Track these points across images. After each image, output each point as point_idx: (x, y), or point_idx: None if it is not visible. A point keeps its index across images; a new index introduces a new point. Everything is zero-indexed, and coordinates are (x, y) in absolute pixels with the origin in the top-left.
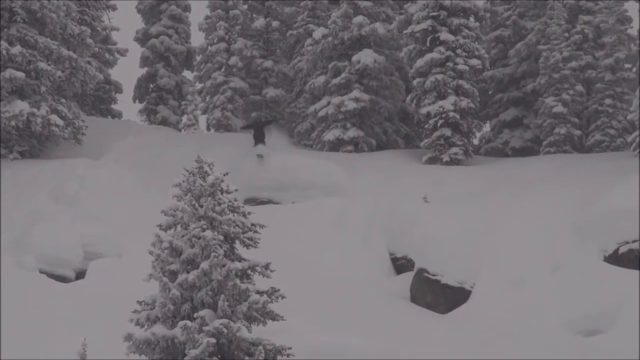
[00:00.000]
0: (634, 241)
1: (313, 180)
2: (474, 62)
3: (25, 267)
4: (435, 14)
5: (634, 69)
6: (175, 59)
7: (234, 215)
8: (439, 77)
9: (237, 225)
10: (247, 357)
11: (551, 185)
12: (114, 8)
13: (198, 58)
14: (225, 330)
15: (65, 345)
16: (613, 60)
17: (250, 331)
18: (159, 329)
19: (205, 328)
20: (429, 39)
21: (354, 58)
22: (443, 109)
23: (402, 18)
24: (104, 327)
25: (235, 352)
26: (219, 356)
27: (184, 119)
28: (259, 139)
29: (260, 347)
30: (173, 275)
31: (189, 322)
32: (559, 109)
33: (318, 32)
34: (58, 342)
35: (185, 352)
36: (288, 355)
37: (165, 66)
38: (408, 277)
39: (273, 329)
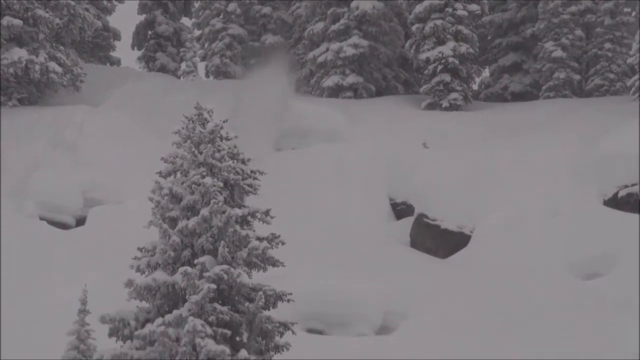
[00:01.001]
0: (633, 185)
1: (313, 127)
2: (473, 7)
3: (25, 213)
4: None
5: (634, 13)
6: (174, 5)
7: (233, 162)
8: (438, 22)
9: (237, 172)
10: (247, 303)
11: (551, 130)
12: None
13: (196, 5)
14: (225, 276)
15: (65, 291)
16: (612, 4)
17: (250, 277)
18: (160, 275)
19: (206, 274)
20: None
21: (353, 4)
22: (442, 54)
23: None
24: (104, 273)
25: (236, 298)
26: (220, 302)
27: (183, 65)
28: None
29: (261, 293)
30: (173, 221)
31: (189, 269)
32: (558, 53)
33: None
34: (58, 288)
35: (186, 297)
36: (288, 300)
37: (163, 13)
38: (408, 222)
39: (273, 275)
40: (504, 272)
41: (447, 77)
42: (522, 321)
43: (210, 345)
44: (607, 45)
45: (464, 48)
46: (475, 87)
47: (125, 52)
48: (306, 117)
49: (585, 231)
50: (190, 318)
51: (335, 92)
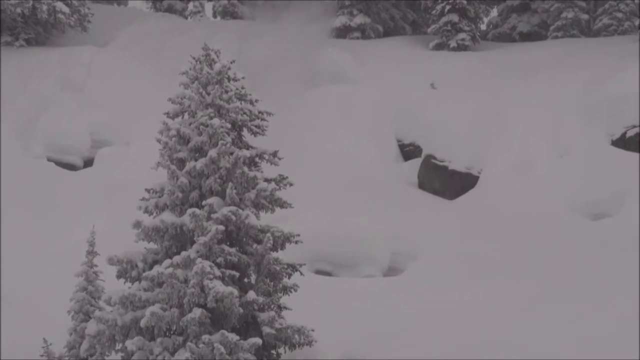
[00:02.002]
0: None
1: (320, 67)
2: None
3: (33, 154)
4: None
5: None
6: None
7: (241, 103)
8: None
9: (244, 113)
10: (255, 244)
11: (559, 70)
12: None
13: None
14: (233, 218)
15: (73, 232)
16: None
17: (258, 218)
18: (168, 217)
19: (214, 215)
20: None
21: None
22: None
23: None
24: (112, 214)
25: (244, 239)
26: (228, 243)
27: (190, 6)
28: None
29: (269, 234)
30: (181, 163)
31: (197, 210)
32: None
33: None
34: (66, 229)
35: (194, 239)
36: (296, 242)
37: None
38: (416, 163)
39: (281, 216)
40: (512, 212)
41: (455, 17)
42: (530, 262)
43: (218, 287)
44: None
45: None
46: (483, 27)
47: None
48: (315, 59)
49: (593, 172)
50: (199, 259)
51: (343, 32)
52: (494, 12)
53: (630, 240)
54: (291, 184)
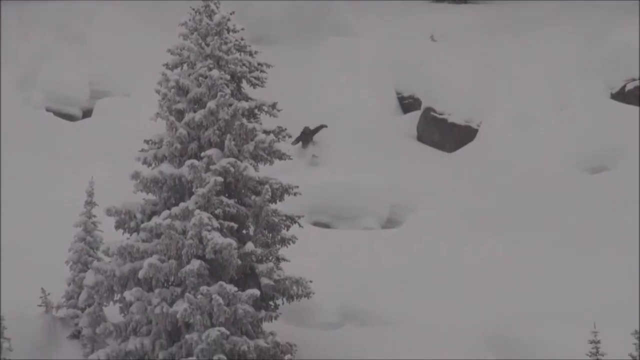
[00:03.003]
0: None
1: (320, 20)
2: None
3: (33, 104)
4: None
5: None
6: None
7: (240, 55)
8: None
9: (243, 65)
10: (254, 196)
11: (559, 24)
12: None
13: None
14: (232, 169)
15: (72, 183)
16: None
17: (257, 170)
18: (166, 168)
19: (212, 167)
20: None
21: None
22: None
23: None
24: (111, 165)
25: (242, 191)
26: (226, 195)
27: None
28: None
29: (267, 186)
30: (180, 114)
31: (195, 161)
32: None
33: None
34: (65, 180)
35: (193, 190)
36: (295, 193)
37: None
38: (415, 116)
39: (280, 168)
40: (511, 165)
41: None
42: (529, 215)
43: (216, 238)
44: None
45: None
46: None
47: None
48: (316, 12)
49: (593, 125)
50: (197, 211)
51: None
52: None
53: (629, 193)
54: (290, 136)
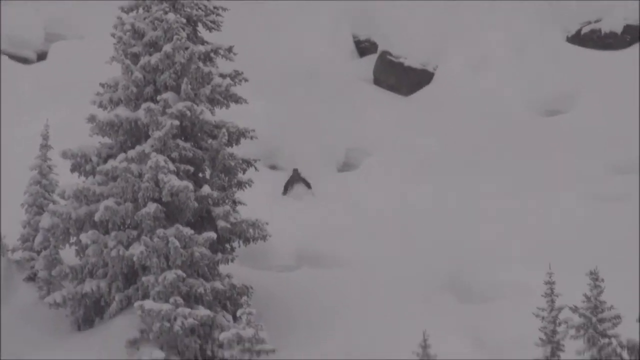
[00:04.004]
0: (596, 21)
1: None
2: None
3: None
4: None
5: None
6: None
7: None
8: None
9: (199, 8)
10: (210, 140)
11: None
12: None
13: None
14: (188, 113)
15: (27, 126)
16: None
17: (213, 114)
18: (122, 111)
19: (169, 110)
20: None
21: None
22: None
23: None
24: (66, 108)
25: (199, 135)
26: (183, 138)
27: None
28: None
29: (224, 130)
30: (135, 57)
31: (152, 104)
32: None
33: None
34: (21, 123)
35: (149, 133)
36: (252, 137)
37: None
38: (371, 59)
39: (237, 112)
40: (468, 108)
41: None
42: (485, 157)
43: (173, 181)
44: None
45: None
46: None
47: None
48: None
49: (548, 68)
50: (153, 154)
51: None
52: None
53: (583, 135)
54: (246, 80)
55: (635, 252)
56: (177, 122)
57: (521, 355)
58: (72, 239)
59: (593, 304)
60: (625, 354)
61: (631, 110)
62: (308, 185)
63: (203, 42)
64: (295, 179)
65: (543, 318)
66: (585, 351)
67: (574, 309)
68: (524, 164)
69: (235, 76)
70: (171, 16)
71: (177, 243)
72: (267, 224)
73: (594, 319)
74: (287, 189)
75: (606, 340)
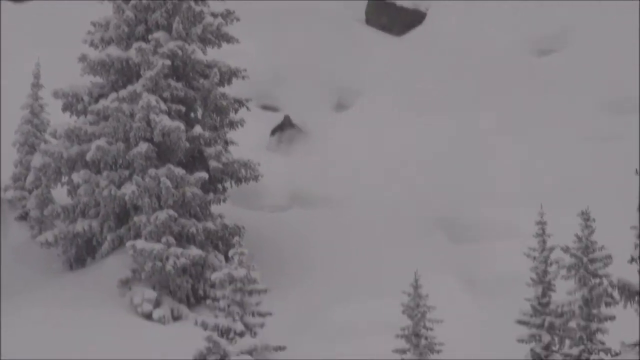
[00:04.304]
0: None
1: None
2: None
3: None
4: None
5: None
6: None
7: None
8: None
9: None
10: (202, 79)
11: None
12: None
13: None
14: (180, 52)
15: (18, 65)
16: None
17: (205, 53)
18: (114, 50)
19: (160, 50)
20: None
21: None
22: None
23: None
24: (57, 47)
25: (190, 74)
26: (174, 77)
27: None
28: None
29: (216, 69)
30: None
31: (143, 44)
32: None
33: None
34: (12, 62)
35: (140, 73)
36: (243, 77)
37: None
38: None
39: (229, 52)
40: (459, 48)
41: None
42: (476, 96)
43: (165, 121)
44: None
45: None
46: None
47: None
48: None
49: (542, 6)
50: (145, 94)
51: None
52: None
53: (576, 75)
54: (238, 19)
55: (627, 192)
56: (168, 62)
57: (512, 295)
58: (64, 179)
59: (584, 244)
60: (616, 294)
61: (626, 49)
62: (299, 130)
63: None
64: (286, 124)
65: (534, 258)
66: (576, 291)
67: (565, 249)
68: (517, 102)
69: (227, 15)
70: None
71: (168, 183)
72: (259, 164)
73: (585, 259)
74: (275, 133)
75: (597, 280)
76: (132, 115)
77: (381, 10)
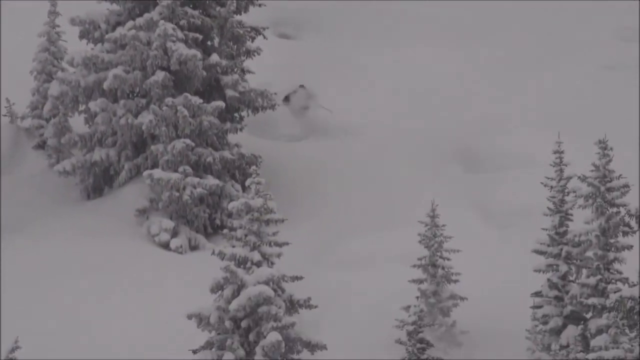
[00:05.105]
0: None
1: None
2: None
3: None
4: None
5: None
6: None
7: None
8: None
9: None
10: (218, 7)
11: None
12: None
13: None
14: None
15: None
16: None
17: None
18: None
19: None
20: None
21: None
22: None
23: None
24: None
25: (207, 2)
26: (191, 5)
27: None
28: None
29: None
30: None
31: None
32: None
33: None
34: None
35: (157, 1)
36: (260, 5)
37: None
38: None
39: None
40: None
41: None
42: (497, 25)
43: (181, 49)
44: None
45: None
46: None
47: None
48: None
49: None
50: (162, 22)
51: None
52: None
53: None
54: None
55: None
56: None
57: (528, 225)
58: (81, 107)
59: (602, 173)
60: (633, 223)
61: None
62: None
63: None
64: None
65: (551, 187)
66: (594, 220)
67: (583, 178)
68: (538, 33)
69: None
70: None
71: (185, 112)
72: (275, 94)
73: (602, 188)
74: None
75: (614, 209)
76: (149, 44)
77: None
